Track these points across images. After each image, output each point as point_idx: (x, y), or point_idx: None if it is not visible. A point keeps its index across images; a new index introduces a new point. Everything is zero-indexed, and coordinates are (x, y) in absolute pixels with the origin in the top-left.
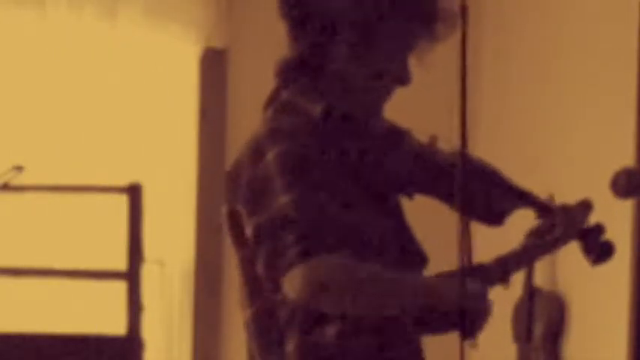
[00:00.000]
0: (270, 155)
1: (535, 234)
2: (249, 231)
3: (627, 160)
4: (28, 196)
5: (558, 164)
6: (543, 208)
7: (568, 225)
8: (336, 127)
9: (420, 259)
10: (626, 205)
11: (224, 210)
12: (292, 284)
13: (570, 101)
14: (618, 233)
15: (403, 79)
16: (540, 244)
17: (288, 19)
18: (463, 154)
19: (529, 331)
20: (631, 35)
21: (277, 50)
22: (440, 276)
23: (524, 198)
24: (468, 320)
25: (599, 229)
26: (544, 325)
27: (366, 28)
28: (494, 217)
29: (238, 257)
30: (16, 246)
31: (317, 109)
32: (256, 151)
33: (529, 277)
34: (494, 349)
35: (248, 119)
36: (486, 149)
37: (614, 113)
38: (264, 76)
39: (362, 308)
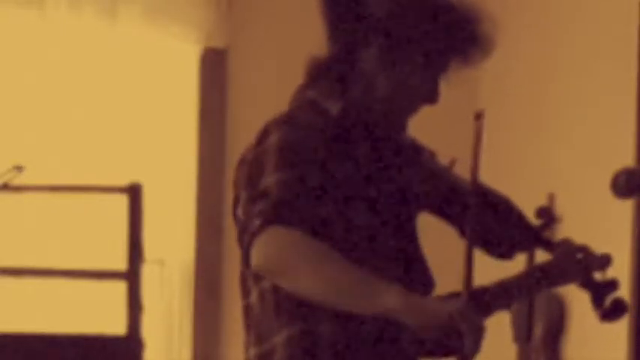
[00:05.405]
0: (273, 138)
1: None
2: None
3: (627, 160)
4: (28, 196)
5: (558, 164)
6: (552, 247)
7: (565, 261)
8: (351, 130)
9: (424, 282)
10: (626, 205)
11: (232, 195)
12: (253, 254)
13: (570, 101)
14: (618, 233)
15: (431, 97)
16: (540, 272)
17: (325, 19)
18: (476, 184)
19: (529, 331)
20: (631, 35)
21: (277, 50)
22: (441, 297)
23: (535, 235)
24: (453, 342)
25: (613, 285)
26: (544, 325)
27: (401, 39)
28: (505, 251)
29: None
30: (16, 246)
31: (335, 109)
32: (263, 134)
33: None
34: (495, 349)
35: (248, 119)
36: (486, 149)
37: (614, 113)
38: (264, 76)
39: (305, 287)
